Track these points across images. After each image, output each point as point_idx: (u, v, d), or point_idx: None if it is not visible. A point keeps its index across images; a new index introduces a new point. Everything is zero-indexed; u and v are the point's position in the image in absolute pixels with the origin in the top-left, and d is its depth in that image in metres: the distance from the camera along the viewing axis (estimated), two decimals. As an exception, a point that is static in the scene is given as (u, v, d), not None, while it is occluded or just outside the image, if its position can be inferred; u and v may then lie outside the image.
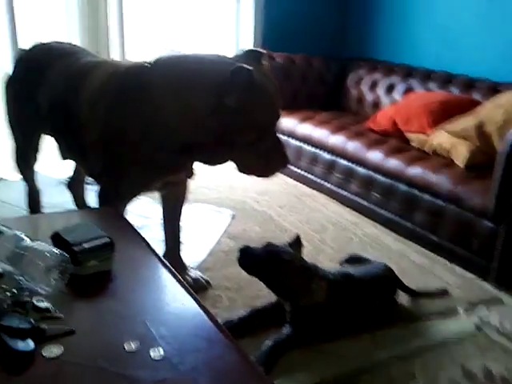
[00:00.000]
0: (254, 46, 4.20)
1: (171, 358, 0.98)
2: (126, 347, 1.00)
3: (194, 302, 1.19)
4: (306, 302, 1.86)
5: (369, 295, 2.02)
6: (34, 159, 2.38)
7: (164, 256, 2.26)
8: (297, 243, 1.94)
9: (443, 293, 2.31)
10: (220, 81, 1.54)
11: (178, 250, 2.19)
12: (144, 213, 2.78)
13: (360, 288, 1.99)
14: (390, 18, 4.18)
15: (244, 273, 1.90)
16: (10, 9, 3.17)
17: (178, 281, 1.27)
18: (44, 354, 0.95)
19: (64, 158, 2.28)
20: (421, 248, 2.75)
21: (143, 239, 1.47)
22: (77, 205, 2.64)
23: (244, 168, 1.74)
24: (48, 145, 2.59)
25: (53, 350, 0.96)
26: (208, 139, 1.63)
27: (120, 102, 1.71)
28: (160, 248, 2.35)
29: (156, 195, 2.17)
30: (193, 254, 2.42)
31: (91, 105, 1.78)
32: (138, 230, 2.50)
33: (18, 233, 1.20)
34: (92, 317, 1.12)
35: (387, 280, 2.13)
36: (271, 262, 1.82)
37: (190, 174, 1.97)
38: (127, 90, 1.70)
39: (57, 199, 2.84)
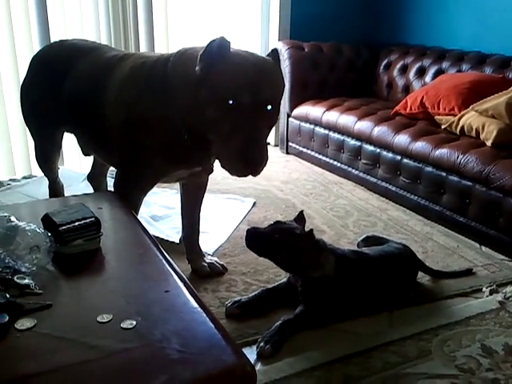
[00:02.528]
0: (281, 37, 4.18)
1: (141, 328, 1.00)
2: (98, 319, 1.02)
3: (177, 279, 1.19)
4: (316, 275, 1.85)
5: (383, 274, 1.97)
6: (55, 156, 2.41)
7: (181, 242, 2.30)
8: (301, 219, 1.92)
9: (467, 272, 2.24)
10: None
11: (196, 238, 2.21)
12: (168, 203, 2.82)
13: (373, 266, 1.96)
14: (423, 0, 4.08)
15: (261, 258, 1.89)
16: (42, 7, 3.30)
17: (166, 261, 1.28)
18: (16, 327, 0.98)
19: (85, 154, 2.34)
20: (448, 230, 2.68)
21: (138, 221, 1.49)
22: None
23: (219, 161, 1.61)
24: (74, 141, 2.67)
25: (24, 323, 0.99)
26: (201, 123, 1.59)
27: (146, 90, 1.74)
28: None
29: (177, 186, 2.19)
30: (211, 240, 2.44)
31: (119, 92, 1.81)
32: (149, 219, 2.58)
33: (7, 215, 1.24)
34: (71, 292, 1.15)
35: (404, 259, 2.08)
36: (284, 237, 1.80)
37: (210, 170, 1.88)
38: (153, 79, 1.73)
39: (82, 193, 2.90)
